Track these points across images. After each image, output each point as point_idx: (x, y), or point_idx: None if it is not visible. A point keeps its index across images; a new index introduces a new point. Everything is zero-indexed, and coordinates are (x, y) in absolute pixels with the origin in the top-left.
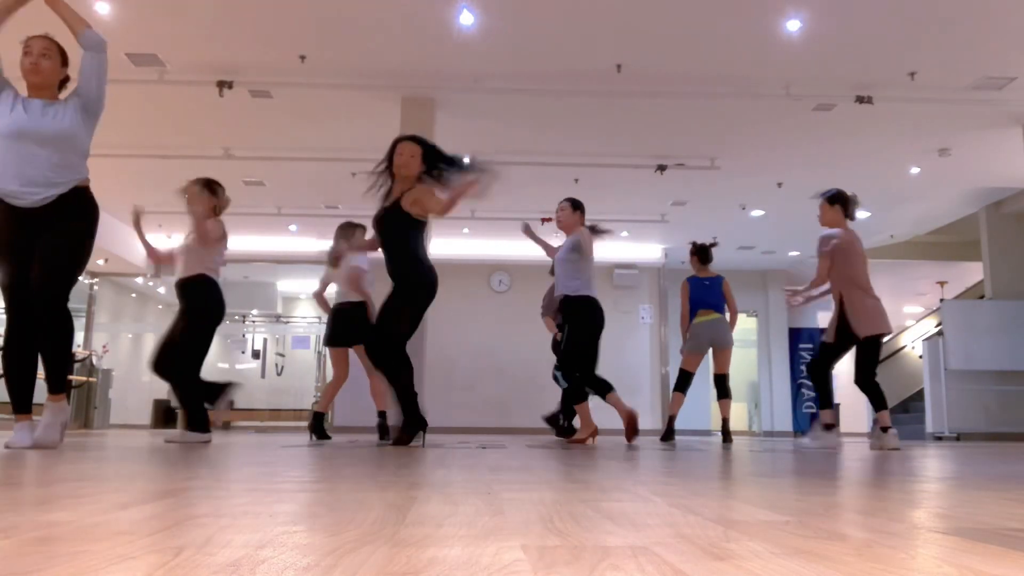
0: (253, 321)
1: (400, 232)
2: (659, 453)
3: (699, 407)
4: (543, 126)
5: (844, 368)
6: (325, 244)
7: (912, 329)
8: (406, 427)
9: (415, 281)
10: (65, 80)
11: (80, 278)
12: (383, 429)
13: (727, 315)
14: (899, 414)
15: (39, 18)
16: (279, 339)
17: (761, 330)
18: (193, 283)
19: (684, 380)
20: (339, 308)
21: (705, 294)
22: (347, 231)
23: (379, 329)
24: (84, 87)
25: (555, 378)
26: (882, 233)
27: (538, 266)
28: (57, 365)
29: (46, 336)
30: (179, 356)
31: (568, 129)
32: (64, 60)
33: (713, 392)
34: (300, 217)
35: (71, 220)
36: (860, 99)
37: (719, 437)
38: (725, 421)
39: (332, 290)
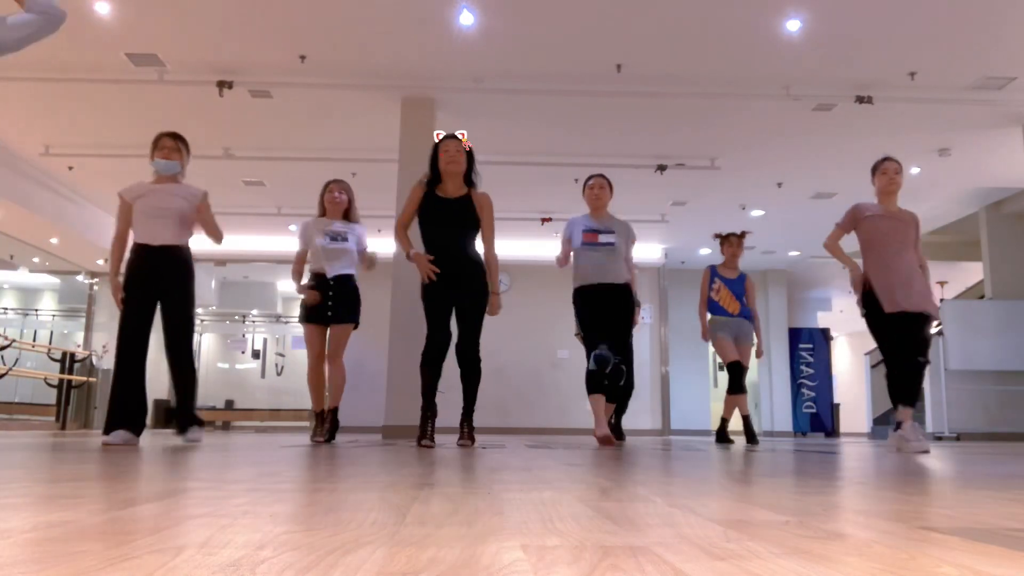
0: (253, 321)
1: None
2: (659, 453)
3: (699, 407)
4: (543, 126)
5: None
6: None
7: None
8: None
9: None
10: None
11: (79, 278)
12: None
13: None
14: None
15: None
16: (279, 339)
17: (761, 330)
18: (185, 250)
19: (737, 375)
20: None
21: (730, 286)
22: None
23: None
24: (5, 32)
25: (619, 370)
26: None
27: (538, 266)
28: None
29: None
30: (189, 336)
31: (568, 129)
32: None
33: (713, 391)
34: (300, 217)
35: None
36: (860, 99)
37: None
38: (735, 420)
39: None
